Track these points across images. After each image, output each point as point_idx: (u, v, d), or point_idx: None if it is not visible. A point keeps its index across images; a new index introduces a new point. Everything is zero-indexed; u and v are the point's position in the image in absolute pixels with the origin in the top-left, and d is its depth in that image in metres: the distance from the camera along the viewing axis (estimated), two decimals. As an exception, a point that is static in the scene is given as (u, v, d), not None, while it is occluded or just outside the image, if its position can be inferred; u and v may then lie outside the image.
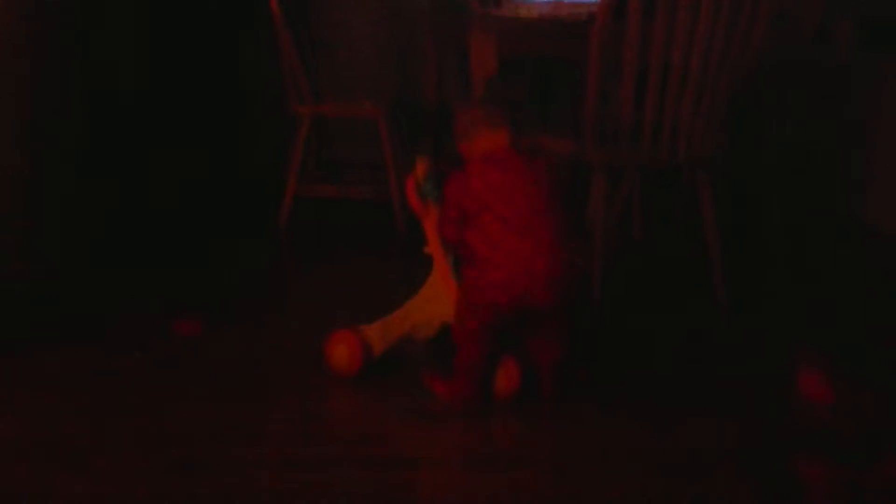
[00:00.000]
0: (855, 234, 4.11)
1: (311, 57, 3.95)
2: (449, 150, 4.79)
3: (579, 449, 1.96)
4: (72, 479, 1.78)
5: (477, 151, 2.16)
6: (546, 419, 2.12)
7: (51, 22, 3.27)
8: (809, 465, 1.88)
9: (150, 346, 2.47)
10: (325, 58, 4.71)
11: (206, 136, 4.45)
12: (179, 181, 4.19)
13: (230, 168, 4.57)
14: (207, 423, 2.03)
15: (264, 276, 3.25)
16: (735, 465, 1.92)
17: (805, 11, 3.82)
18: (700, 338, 2.72)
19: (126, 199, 3.77)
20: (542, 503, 1.76)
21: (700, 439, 2.04)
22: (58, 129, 3.33)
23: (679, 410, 2.18)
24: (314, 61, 4.00)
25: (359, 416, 2.16)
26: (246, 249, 3.56)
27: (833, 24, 4.45)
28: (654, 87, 2.72)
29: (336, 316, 2.67)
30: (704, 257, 2.93)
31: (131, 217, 3.79)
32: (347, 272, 3.27)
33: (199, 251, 3.50)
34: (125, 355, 2.41)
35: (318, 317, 2.72)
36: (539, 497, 1.78)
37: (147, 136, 4.05)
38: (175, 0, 4.29)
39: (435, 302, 2.26)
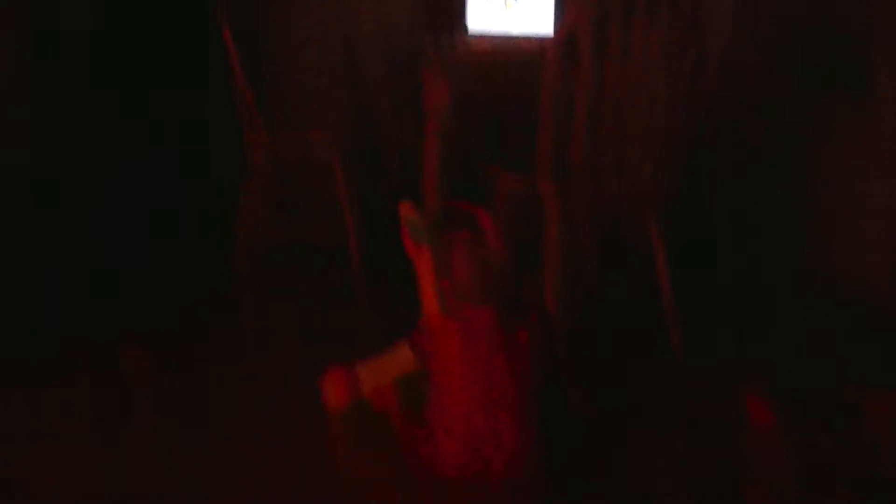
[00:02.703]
0: (803, 281, 4.18)
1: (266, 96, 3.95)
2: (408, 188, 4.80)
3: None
4: None
5: (460, 313, 2.06)
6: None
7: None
8: (755, 490, 1.90)
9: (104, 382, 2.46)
10: (282, 97, 4.73)
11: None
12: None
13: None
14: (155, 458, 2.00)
15: (220, 320, 3.20)
16: (682, 488, 1.93)
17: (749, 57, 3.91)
18: (654, 381, 2.73)
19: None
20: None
21: (647, 463, 2.04)
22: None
23: (628, 435, 2.19)
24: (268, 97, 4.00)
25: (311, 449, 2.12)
26: (201, 289, 3.52)
27: (779, 71, 4.56)
28: (608, 120, 2.75)
29: (293, 366, 2.69)
30: (658, 301, 2.96)
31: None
32: (306, 317, 3.24)
33: (154, 285, 3.46)
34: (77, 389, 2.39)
35: (274, 368, 2.72)
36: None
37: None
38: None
39: None
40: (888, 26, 3.70)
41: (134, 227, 4.11)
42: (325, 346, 2.79)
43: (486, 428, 1.87)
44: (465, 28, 3.48)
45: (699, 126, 3.00)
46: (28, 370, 2.54)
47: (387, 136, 4.47)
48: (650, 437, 2.20)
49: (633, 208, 2.93)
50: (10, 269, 3.29)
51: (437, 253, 2.21)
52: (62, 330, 2.88)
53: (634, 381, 2.66)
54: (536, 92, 2.79)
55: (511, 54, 3.20)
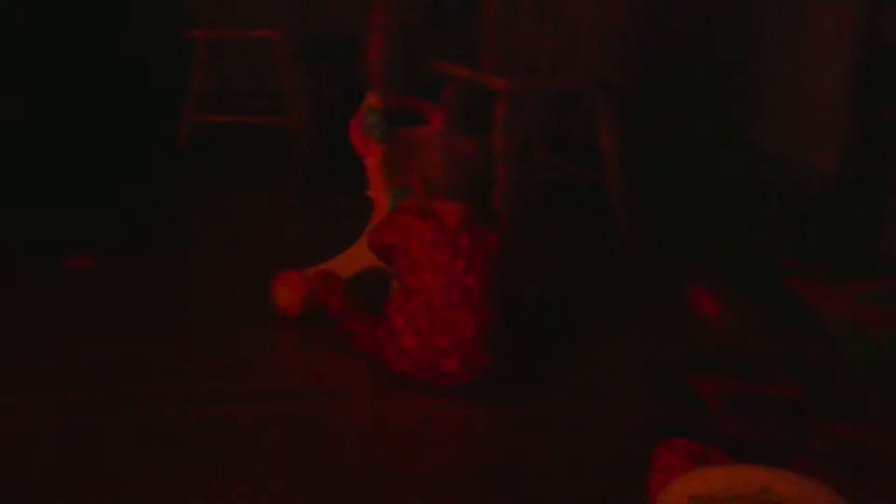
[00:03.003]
0: (740, 151, 4.26)
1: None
2: (354, 80, 4.75)
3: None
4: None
5: (430, 209, 1.98)
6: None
7: None
8: (703, 380, 1.97)
9: (57, 287, 2.42)
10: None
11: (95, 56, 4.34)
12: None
13: (121, 92, 4.46)
14: (116, 362, 2.00)
15: (167, 212, 3.19)
16: (634, 381, 2.00)
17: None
18: (600, 259, 2.80)
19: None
20: (454, 425, 1.81)
21: (600, 358, 2.11)
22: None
23: (579, 331, 2.25)
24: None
25: (272, 350, 2.13)
26: (146, 182, 3.50)
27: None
28: (552, 10, 2.73)
29: (247, 252, 2.72)
30: (604, 181, 3.01)
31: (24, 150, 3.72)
32: (252, 206, 3.24)
33: (97, 183, 3.43)
34: (28, 296, 2.36)
35: (224, 254, 2.72)
36: (451, 419, 1.83)
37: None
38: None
39: None
40: None
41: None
42: (276, 248, 2.81)
43: (444, 326, 1.88)
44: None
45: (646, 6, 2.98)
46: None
47: (333, 28, 4.39)
48: (602, 330, 2.26)
49: (581, 93, 2.95)
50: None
51: (386, 149, 2.19)
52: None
53: (582, 269, 2.73)
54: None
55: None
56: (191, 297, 2.41)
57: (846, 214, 3.09)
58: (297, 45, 3.90)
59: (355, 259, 2.27)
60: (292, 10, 4.96)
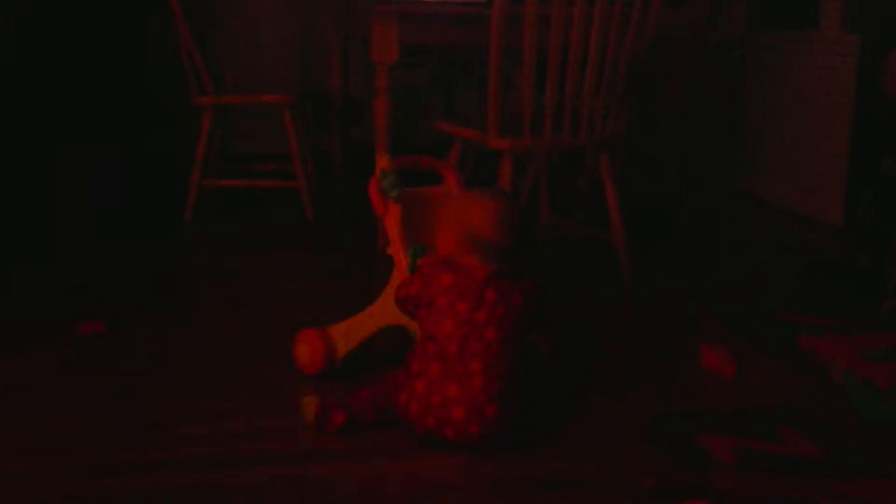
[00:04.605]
0: (742, 204, 4.28)
1: (212, 48, 3.91)
2: (356, 139, 4.80)
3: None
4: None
5: (457, 258, 1.98)
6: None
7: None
8: (714, 439, 1.95)
9: (61, 349, 2.41)
10: (228, 48, 4.68)
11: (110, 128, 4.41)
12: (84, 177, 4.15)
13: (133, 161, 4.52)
14: (120, 425, 2.00)
15: (176, 275, 3.19)
16: (644, 439, 1.98)
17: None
18: (607, 317, 2.79)
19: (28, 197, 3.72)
20: (462, 483, 1.79)
21: (610, 416, 2.09)
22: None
23: (589, 389, 2.24)
24: (215, 52, 3.97)
25: (284, 412, 2.10)
26: (154, 246, 3.51)
27: (725, 4, 4.59)
28: (554, 70, 2.76)
29: (257, 314, 2.71)
30: (609, 238, 3.01)
31: (34, 215, 3.75)
32: (261, 267, 3.24)
33: (105, 249, 3.44)
34: (34, 358, 2.36)
35: (236, 315, 2.71)
36: (460, 478, 1.81)
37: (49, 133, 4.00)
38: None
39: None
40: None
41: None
42: (292, 305, 2.80)
43: (456, 375, 1.87)
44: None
45: (646, 64, 3.01)
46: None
47: (337, 88, 4.45)
48: (611, 388, 2.25)
49: (586, 147, 2.96)
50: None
51: (403, 208, 2.21)
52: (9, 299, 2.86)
53: (589, 322, 2.72)
54: (485, 42, 2.79)
55: (459, 5, 3.18)
56: (200, 358, 2.40)
57: (853, 268, 3.08)
58: (302, 108, 3.94)
59: (376, 316, 2.28)
60: (297, 73, 5.05)
